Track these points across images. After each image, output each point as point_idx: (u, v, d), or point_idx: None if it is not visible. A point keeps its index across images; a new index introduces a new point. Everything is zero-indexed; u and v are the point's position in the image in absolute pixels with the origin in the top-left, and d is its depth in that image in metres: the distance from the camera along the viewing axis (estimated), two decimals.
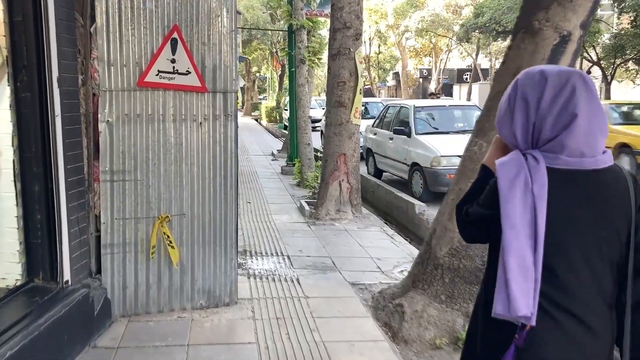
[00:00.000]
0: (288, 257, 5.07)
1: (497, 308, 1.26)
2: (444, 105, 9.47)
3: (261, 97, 47.85)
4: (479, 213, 1.40)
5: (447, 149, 7.65)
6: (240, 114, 40.86)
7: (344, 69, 6.80)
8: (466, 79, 42.46)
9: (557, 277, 1.29)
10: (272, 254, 5.18)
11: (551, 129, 1.29)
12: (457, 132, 8.55)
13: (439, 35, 33.51)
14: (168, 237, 3.59)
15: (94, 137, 3.44)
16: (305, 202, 7.34)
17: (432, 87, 37.77)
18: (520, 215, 1.25)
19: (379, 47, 43.23)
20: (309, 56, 9.72)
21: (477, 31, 23.22)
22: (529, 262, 1.25)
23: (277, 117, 28.47)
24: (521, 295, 1.23)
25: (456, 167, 8.21)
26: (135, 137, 3.49)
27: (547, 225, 1.26)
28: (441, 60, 38.67)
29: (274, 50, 31.28)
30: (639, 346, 1.33)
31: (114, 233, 3.50)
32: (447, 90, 41.24)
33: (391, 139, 9.30)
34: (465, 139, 8.62)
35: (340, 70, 6.81)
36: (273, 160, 13.04)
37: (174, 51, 3.53)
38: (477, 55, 33.15)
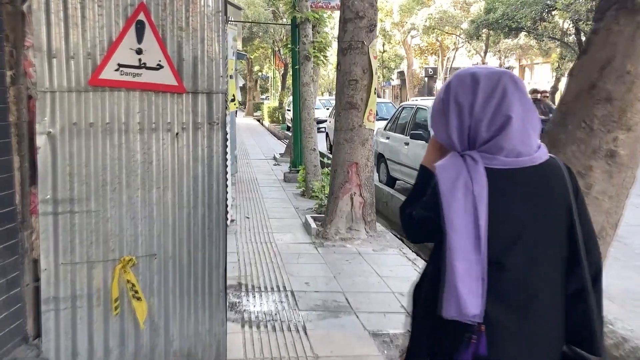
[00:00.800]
0: (292, 293, 4.17)
1: (448, 311, 1.26)
2: None
3: (263, 97, 47.01)
4: (423, 215, 1.38)
5: None
6: (242, 114, 40.04)
7: (356, 65, 5.90)
8: None
9: (508, 274, 1.29)
10: (272, 288, 4.28)
11: (486, 130, 1.31)
12: None
13: (446, 33, 32.56)
14: (133, 286, 2.70)
15: (30, 154, 2.56)
16: (312, 217, 6.44)
17: (439, 86, 36.84)
18: (463, 217, 1.27)
19: (383, 46, 42.24)
20: (314, 52, 8.81)
21: (487, 28, 22.26)
22: (474, 262, 1.26)
23: (280, 118, 27.59)
24: (470, 295, 1.25)
25: None
26: (87, 153, 2.60)
27: (492, 224, 1.27)
28: (448, 58, 37.71)
29: (277, 48, 30.38)
30: (593, 334, 1.36)
31: (60, 283, 2.60)
32: None
33: (407, 144, 8.38)
34: None
35: (352, 67, 5.91)
36: (275, 165, 12.15)
37: (140, 38, 2.64)
38: (485, 53, 32.18)
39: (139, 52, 2.63)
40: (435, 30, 31.86)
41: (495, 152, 1.30)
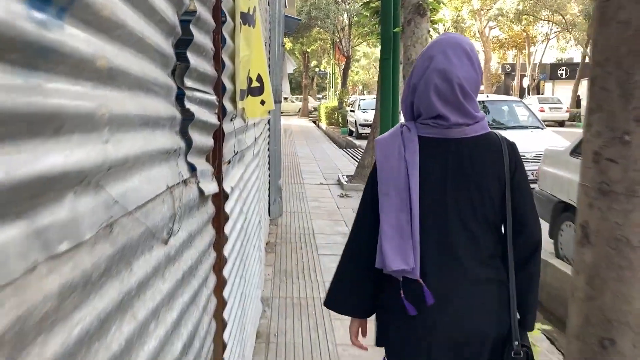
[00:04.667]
0: None
1: (376, 263, 1.44)
2: None
3: (320, 96, 43.02)
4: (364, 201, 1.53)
5: None
6: (297, 115, 36.02)
7: None
8: (562, 74, 35.82)
9: (434, 234, 1.40)
10: None
11: (425, 114, 1.42)
12: None
13: (541, 19, 27.27)
14: None
15: None
16: None
17: (525, 83, 31.50)
18: (395, 181, 1.40)
19: None
20: (433, 2, 4.50)
21: None
22: (404, 223, 1.38)
23: (340, 120, 23.42)
24: (394, 252, 1.37)
25: None
26: None
27: (424, 188, 1.39)
28: (536, 51, 32.30)
29: (338, 39, 26.24)
30: (524, 305, 1.46)
31: None
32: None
33: None
34: None
35: None
36: (342, 196, 7.92)
37: None
38: (587, 44, 26.67)
39: None
40: (528, 17, 26.65)
41: (430, 124, 1.41)
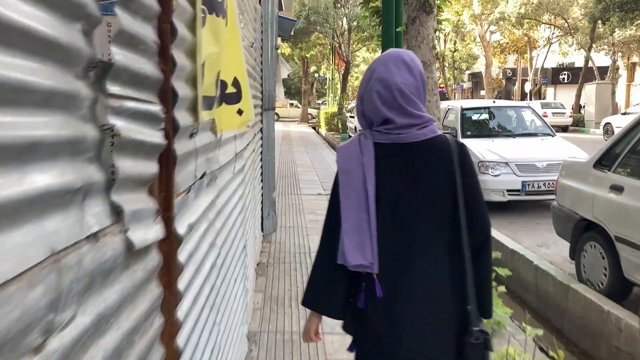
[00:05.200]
0: None
1: (338, 259, 1.52)
2: None
3: (319, 101, 42.64)
4: (330, 212, 1.60)
5: None
6: (297, 121, 35.58)
7: None
8: (563, 79, 35.39)
9: (391, 232, 1.49)
10: None
11: (375, 121, 1.54)
12: None
13: (543, 22, 26.88)
14: None
15: None
16: None
17: (527, 88, 31.07)
18: (354, 183, 1.50)
19: (454, 44, 36.76)
20: None
21: (619, 9, 16.72)
22: (363, 221, 1.48)
23: (339, 126, 22.98)
24: (353, 249, 1.47)
25: None
26: None
27: (380, 189, 1.50)
28: (537, 56, 31.87)
29: (337, 44, 25.84)
30: (481, 294, 1.53)
31: None
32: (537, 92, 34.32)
33: None
34: None
35: None
36: None
37: None
38: (590, 48, 26.30)
39: None
40: (530, 21, 26.23)
41: (382, 131, 1.51)
